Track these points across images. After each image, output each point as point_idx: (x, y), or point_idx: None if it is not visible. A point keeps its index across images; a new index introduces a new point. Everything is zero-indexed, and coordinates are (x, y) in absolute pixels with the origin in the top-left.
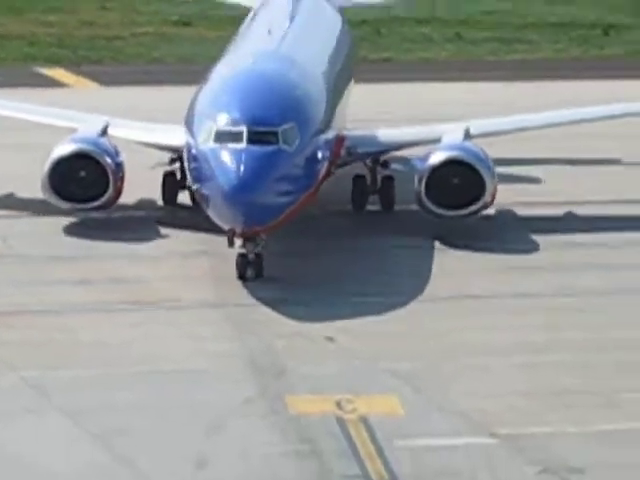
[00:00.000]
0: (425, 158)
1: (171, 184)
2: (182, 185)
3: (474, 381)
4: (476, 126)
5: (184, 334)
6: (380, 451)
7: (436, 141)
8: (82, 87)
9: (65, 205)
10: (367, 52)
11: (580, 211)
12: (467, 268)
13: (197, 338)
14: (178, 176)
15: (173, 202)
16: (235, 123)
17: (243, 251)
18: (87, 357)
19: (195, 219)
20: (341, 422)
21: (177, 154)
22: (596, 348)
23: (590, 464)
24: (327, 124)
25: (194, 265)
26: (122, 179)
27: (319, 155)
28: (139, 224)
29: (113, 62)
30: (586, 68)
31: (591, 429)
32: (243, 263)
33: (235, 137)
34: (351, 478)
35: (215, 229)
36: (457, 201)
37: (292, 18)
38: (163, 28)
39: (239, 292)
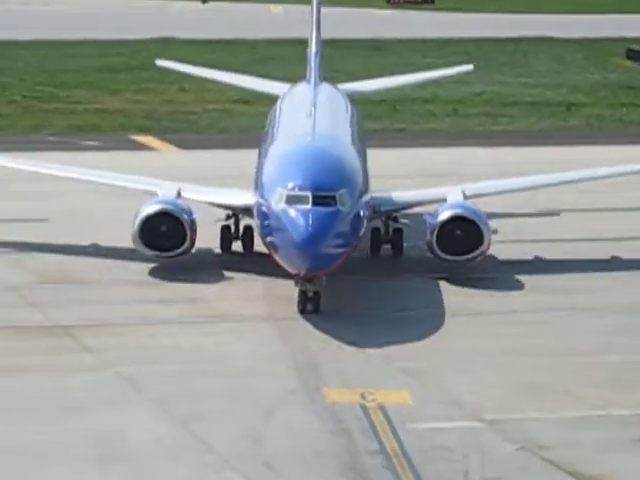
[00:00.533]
0: (435, 215)
1: (227, 235)
2: (236, 236)
3: (466, 378)
4: (470, 189)
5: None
6: (394, 431)
7: (441, 201)
8: (166, 150)
9: (151, 253)
10: (386, 124)
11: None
12: (462, 294)
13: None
14: (232, 229)
15: (228, 249)
16: (302, 189)
17: (304, 289)
18: (169, 357)
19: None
20: (364, 409)
21: (232, 212)
22: (561, 353)
23: (556, 443)
24: (365, 189)
25: (251, 290)
26: (195, 232)
27: (362, 214)
28: (206, 264)
29: (189, 131)
30: (553, 136)
31: (557, 416)
32: (303, 300)
33: (302, 200)
34: (372, 452)
35: (260, 269)
36: (461, 249)
37: (320, 103)
38: (227, 105)
39: (287, 309)
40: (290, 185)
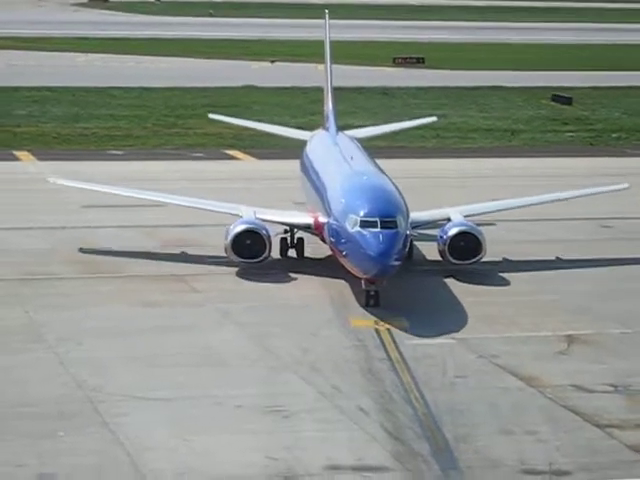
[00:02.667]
0: (445, 231)
1: (285, 245)
2: (292, 246)
3: (448, 318)
4: (467, 210)
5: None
6: (397, 346)
7: (445, 220)
8: (247, 160)
9: (239, 260)
10: (389, 143)
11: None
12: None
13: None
14: (288, 240)
15: (285, 255)
16: (372, 215)
17: (368, 289)
18: (251, 297)
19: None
20: (377, 331)
21: (289, 227)
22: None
23: (502, 353)
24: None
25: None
26: (271, 245)
27: (408, 232)
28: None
29: (261, 146)
30: (501, 152)
31: (503, 335)
32: (367, 296)
33: (373, 224)
34: (381, 359)
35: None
36: (465, 256)
37: (351, 148)
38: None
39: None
40: (362, 213)
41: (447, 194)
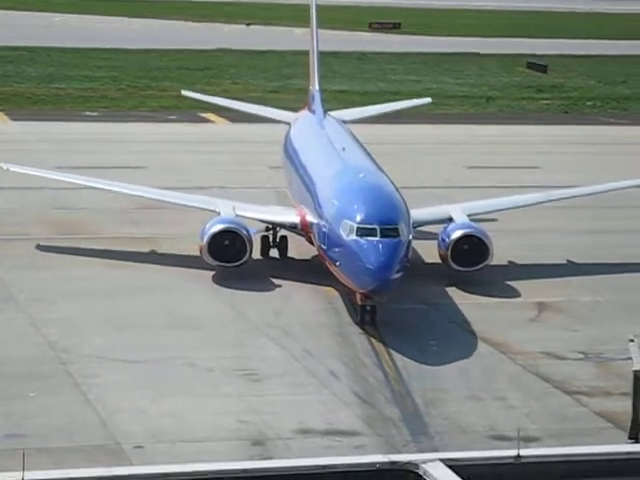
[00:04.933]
0: (448, 233)
1: (266, 244)
2: (273, 245)
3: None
4: (470, 208)
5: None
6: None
7: (446, 220)
8: (221, 123)
9: (215, 263)
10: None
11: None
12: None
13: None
14: (270, 239)
15: (267, 255)
16: (370, 223)
17: (363, 304)
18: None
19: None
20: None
21: (271, 225)
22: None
23: (474, 320)
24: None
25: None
26: (252, 246)
27: (410, 239)
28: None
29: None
30: (477, 118)
31: (475, 302)
32: (363, 312)
33: (371, 232)
34: (352, 324)
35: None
36: (469, 261)
37: (343, 137)
38: (263, 94)
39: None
40: (358, 218)
41: (422, 160)
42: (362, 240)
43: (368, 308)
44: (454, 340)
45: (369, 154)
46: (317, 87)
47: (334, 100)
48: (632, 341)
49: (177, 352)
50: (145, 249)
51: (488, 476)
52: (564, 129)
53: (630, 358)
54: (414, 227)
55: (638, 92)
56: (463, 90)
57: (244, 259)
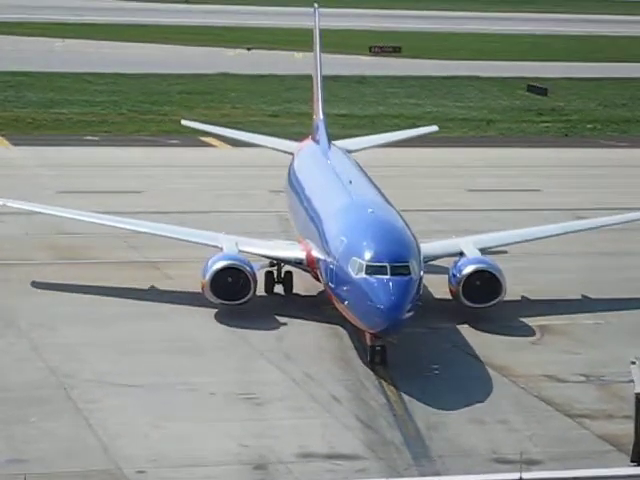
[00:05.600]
0: (459, 269)
1: (270, 279)
2: (278, 281)
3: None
4: (481, 241)
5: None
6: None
7: (458, 253)
8: (222, 147)
9: (218, 301)
10: (367, 132)
11: None
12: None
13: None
14: (275, 274)
15: (271, 291)
16: (380, 260)
17: (372, 344)
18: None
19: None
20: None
21: (276, 261)
22: None
23: (476, 344)
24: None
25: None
26: (256, 283)
27: (422, 275)
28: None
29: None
30: (477, 141)
31: (477, 327)
32: (372, 352)
33: (381, 270)
34: (353, 348)
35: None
36: (481, 298)
37: (349, 169)
38: (263, 118)
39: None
40: (368, 256)
41: (422, 183)
42: (372, 279)
43: (378, 348)
44: (458, 364)
45: (376, 186)
46: (321, 117)
47: (334, 124)
48: (634, 363)
49: (178, 377)
50: (148, 274)
51: None
52: (564, 152)
53: (632, 381)
54: (424, 262)
55: (638, 115)
56: (463, 113)
57: (248, 296)
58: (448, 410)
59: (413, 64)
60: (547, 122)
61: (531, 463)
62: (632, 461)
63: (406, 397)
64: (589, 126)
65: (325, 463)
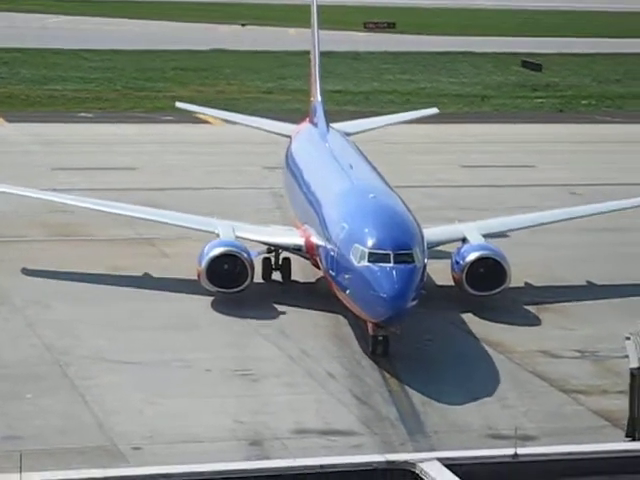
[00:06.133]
0: (463, 256)
1: (268, 266)
2: (276, 267)
3: None
4: (484, 227)
5: None
6: None
7: (459, 239)
8: (216, 124)
9: (215, 289)
10: (362, 108)
11: None
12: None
13: None
14: (272, 261)
15: (269, 278)
16: (383, 248)
17: (375, 334)
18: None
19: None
20: None
21: (273, 247)
22: None
23: (471, 322)
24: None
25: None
26: (254, 270)
27: (425, 263)
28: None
29: (232, 110)
30: (472, 117)
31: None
32: (374, 343)
33: (384, 258)
34: (349, 324)
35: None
36: (486, 285)
37: (349, 153)
38: (258, 94)
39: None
40: (370, 243)
41: (416, 159)
42: (374, 267)
43: (380, 338)
44: (454, 339)
45: (377, 170)
46: (319, 98)
47: (329, 100)
48: (628, 339)
49: (174, 354)
50: (143, 251)
51: (485, 475)
52: (559, 127)
53: (627, 356)
54: (435, 246)
55: (633, 90)
56: (458, 89)
57: (245, 284)
58: (443, 385)
59: (407, 40)
60: (541, 98)
61: (526, 439)
62: (627, 436)
63: (402, 375)
64: (584, 102)
65: (320, 439)
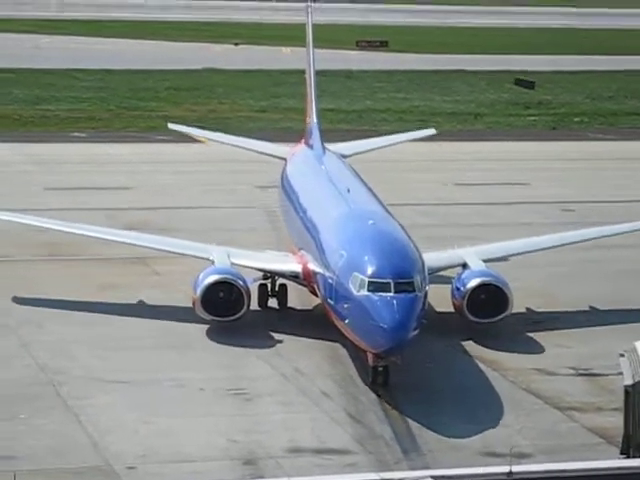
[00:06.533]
0: (464, 283)
1: (263, 293)
2: (272, 294)
3: None
4: (484, 252)
5: None
6: None
7: (461, 265)
8: (209, 143)
9: (210, 317)
10: (355, 126)
11: None
12: None
13: None
14: (269, 287)
15: (265, 306)
16: (383, 277)
17: (375, 364)
18: None
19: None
20: None
21: (269, 274)
22: None
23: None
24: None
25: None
26: (250, 298)
27: (426, 291)
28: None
29: (224, 130)
30: (465, 135)
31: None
32: (374, 373)
33: (384, 287)
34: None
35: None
36: (487, 312)
37: (347, 176)
38: (250, 113)
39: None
40: (370, 272)
41: (409, 177)
42: (374, 296)
43: (380, 369)
44: (454, 362)
45: (374, 194)
46: (315, 120)
47: (322, 119)
48: (622, 356)
49: (167, 373)
50: (136, 270)
51: None
52: (552, 145)
53: (621, 373)
54: (435, 272)
55: (625, 107)
56: (451, 107)
57: (241, 312)
58: (439, 405)
59: (400, 58)
60: (534, 115)
61: (520, 456)
62: (622, 453)
63: (397, 393)
64: (576, 119)
65: (315, 458)
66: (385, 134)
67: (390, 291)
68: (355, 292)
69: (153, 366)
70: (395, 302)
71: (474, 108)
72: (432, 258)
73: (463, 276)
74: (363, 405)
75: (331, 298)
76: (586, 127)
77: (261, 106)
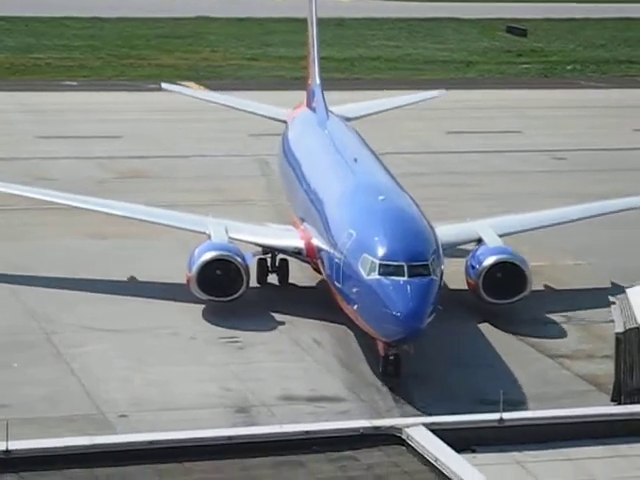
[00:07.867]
0: (479, 260)
1: (263, 268)
2: (272, 270)
3: None
4: (500, 225)
5: None
6: None
7: (474, 240)
8: (202, 91)
9: (206, 297)
10: (347, 74)
11: None
12: None
13: None
14: (268, 262)
15: (264, 282)
16: (396, 259)
17: (386, 354)
18: None
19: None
20: None
21: (269, 248)
22: None
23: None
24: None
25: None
26: (249, 277)
27: (442, 274)
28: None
29: (217, 78)
30: (457, 83)
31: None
32: (385, 363)
33: (397, 271)
34: None
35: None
36: (504, 292)
37: (353, 143)
38: (242, 61)
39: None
40: (381, 254)
41: (401, 126)
42: (386, 280)
43: (391, 358)
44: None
45: (382, 163)
46: (317, 81)
47: None
48: (614, 304)
49: (160, 322)
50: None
51: (471, 440)
52: (544, 93)
53: (612, 320)
54: (447, 247)
55: (617, 55)
56: (443, 55)
57: (240, 292)
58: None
59: (392, 6)
60: (527, 63)
61: (512, 404)
62: (612, 400)
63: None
64: (569, 67)
65: (307, 405)
66: (377, 82)
67: (404, 275)
68: (365, 275)
69: (145, 314)
70: (409, 287)
71: (466, 56)
72: (444, 233)
73: (478, 253)
74: (354, 353)
75: (338, 281)
76: (578, 75)
77: (253, 54)
